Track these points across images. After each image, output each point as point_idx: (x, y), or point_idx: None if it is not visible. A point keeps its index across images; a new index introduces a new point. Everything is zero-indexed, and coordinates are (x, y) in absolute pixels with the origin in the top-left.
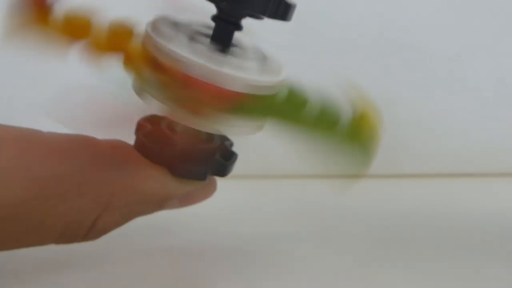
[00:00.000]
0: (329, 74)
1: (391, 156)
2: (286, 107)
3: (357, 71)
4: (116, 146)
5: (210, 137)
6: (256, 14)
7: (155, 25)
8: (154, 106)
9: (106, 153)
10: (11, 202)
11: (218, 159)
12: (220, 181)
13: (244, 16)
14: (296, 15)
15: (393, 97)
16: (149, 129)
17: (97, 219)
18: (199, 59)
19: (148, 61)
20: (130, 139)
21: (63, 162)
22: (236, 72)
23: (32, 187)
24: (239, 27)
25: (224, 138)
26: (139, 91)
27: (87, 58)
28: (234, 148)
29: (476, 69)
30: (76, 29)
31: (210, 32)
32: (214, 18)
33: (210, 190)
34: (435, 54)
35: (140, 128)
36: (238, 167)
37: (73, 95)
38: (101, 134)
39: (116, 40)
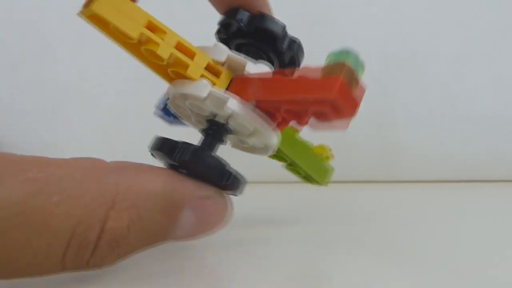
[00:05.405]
0: None
1: (391, 161)
2: None
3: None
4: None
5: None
6: None
7: None
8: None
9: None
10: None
11: (229, 169)
12: None
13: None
14: (298, 23)
15: (393, 101)
16: None
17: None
18: None
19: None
20: None
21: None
22: None
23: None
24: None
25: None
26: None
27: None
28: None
29: (476, 73)
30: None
31: None
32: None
33: (226, 206)
34: (434, 58)
35: None
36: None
37: None
38: None
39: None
